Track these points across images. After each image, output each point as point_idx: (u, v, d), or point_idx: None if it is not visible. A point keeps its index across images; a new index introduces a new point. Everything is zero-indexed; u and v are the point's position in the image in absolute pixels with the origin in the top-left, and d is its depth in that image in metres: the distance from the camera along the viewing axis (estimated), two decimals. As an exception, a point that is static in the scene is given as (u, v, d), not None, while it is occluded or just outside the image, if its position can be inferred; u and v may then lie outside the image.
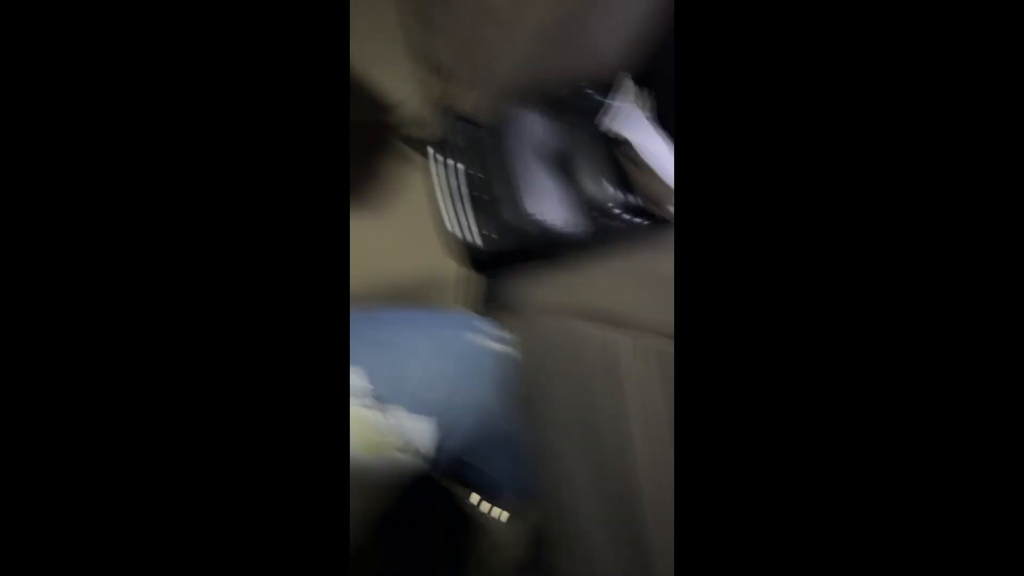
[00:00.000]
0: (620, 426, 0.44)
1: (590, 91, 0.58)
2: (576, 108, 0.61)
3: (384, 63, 0.74)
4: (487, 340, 0.52)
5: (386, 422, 0.43)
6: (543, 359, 0.53)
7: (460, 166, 0.67)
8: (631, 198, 0.63)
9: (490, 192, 0.63)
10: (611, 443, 0.46)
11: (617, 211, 0.63)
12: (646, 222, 0.64)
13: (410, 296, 0.72)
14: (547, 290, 0.61)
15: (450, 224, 0.67)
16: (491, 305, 0.72)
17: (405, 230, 0.72)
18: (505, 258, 0.69)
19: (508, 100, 0.61)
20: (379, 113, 0.73)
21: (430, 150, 0.67)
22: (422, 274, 0.72)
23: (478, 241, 0.65)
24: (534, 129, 0.62)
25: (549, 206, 0.62)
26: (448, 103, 0.65)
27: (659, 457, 0.43)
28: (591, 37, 0.53)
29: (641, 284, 0.44)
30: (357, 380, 0.44)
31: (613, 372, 0.45)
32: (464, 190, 0.66)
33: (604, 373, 0.46)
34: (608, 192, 0.63)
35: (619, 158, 0.59)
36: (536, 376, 0.52)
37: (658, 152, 0.59)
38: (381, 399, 0.44)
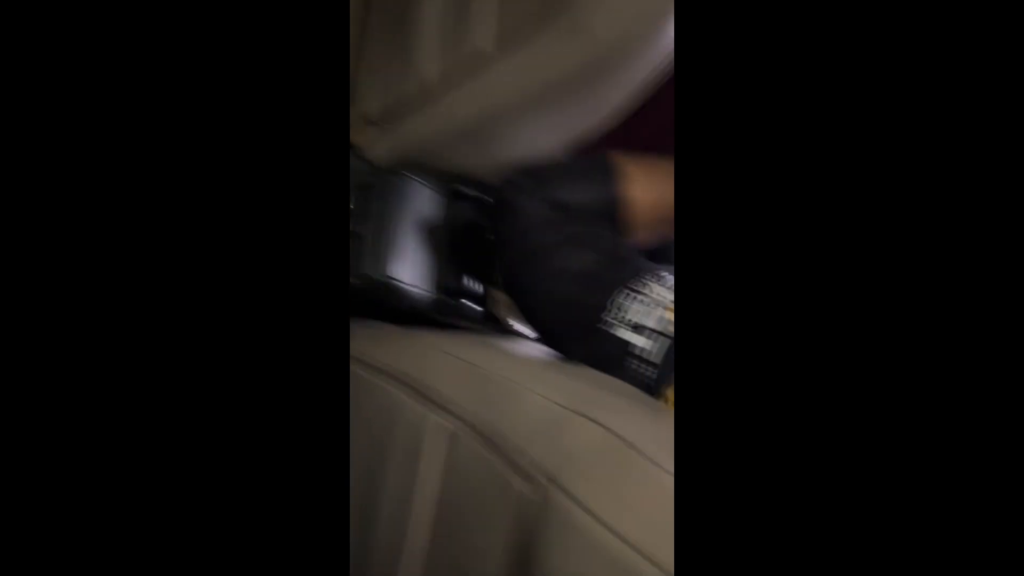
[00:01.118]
0: (401, 502, 0.42)
1: (469, 189, 0.64)
2: (464, 195, 0.67)
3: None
4: None
5: None
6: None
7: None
8: (481, 299, 0.66)
9: (359, 233, 0.64)
10: (386, 513, 0.44)
11: (466, 302, 0.66)
12: (487, 322, 0.66)
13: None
14: (375, 346, 0.59)
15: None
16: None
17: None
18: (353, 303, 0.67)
19: (408, 164, 0.66)
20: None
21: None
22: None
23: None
24: (422, 199, 0.66)
25: (408, 273, 0.63)
26: (358, 146, 0.69)
27: (423, 545, 0.40)
28: (512, 136, 0.60)
29: (470, 377, 0.44)
30: None
31: (412, 446, 0.44)
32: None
33: (403, 443, 0.44)
34: (463, 283, 0.66)
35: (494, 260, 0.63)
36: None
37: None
38: None
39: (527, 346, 0.53)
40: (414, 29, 0.63)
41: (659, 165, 0.48)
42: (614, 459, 0.32)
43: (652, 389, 0.39)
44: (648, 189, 0.47)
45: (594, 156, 0.51)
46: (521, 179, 0.49)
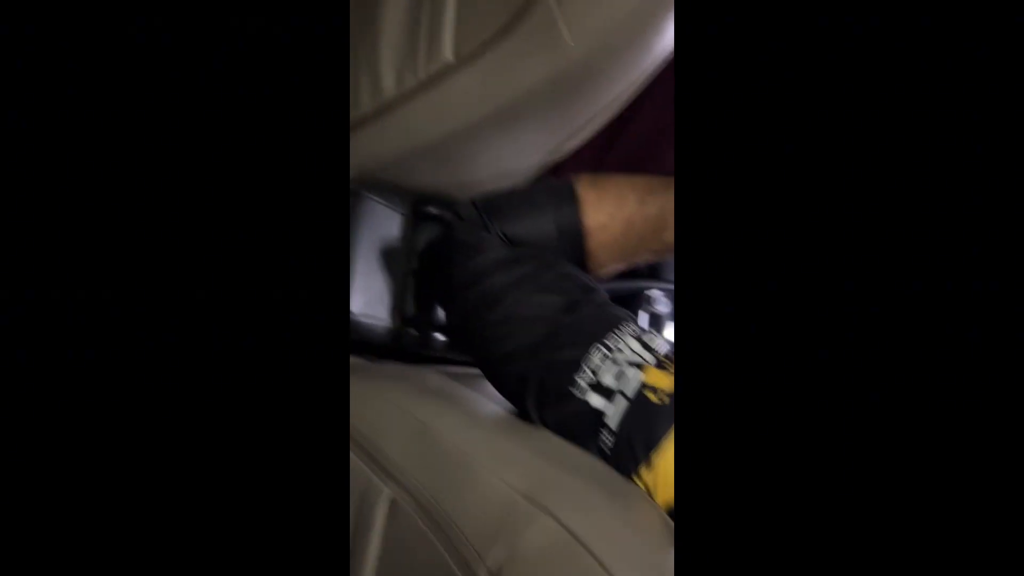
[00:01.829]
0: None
1: (438, 209, 0.58)
2: (432, 216, 0.61)
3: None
4: None
5: None
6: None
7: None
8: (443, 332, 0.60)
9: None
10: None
11: (435, 338, 0.60)
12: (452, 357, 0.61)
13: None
14: None
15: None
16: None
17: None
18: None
19: (365, 182, 0.60)
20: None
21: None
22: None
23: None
24: (380, 220, 0.60)
25: (364, 303, 0.57)
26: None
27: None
28: (483, 157, 0.54)
29: (423, 443, 0.39)
30: None
31: (354, 510, 0.39)
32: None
33: (352, 511, 0.39)
34: (431, 313, 0.60)
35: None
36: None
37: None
38: None
39: (494, 411, 0.47)
40: (372, 36, 0.57)
41: (625, 187, 0.42)
42: (566, 565, 0.27)
43: (622, 465, 0.34)
44: (613, 216, 0.41)
45: (553, 183, 0.45)
46: (473, 213, 0.43)
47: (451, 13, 0.49)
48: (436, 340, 0.60)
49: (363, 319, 0.57)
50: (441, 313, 0.61)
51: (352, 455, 0.43)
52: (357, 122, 0.59)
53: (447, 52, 0.49)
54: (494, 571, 0.29)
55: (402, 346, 0.59)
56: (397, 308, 0.60)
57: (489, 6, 0.44)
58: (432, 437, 0.39)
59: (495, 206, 0.42)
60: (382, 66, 0.56)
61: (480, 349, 0.41)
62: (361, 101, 0.59)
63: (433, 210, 0.61)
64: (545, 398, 0.36)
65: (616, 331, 0.37)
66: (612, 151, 0.56)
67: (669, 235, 0.41)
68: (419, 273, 0.60)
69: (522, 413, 0.40)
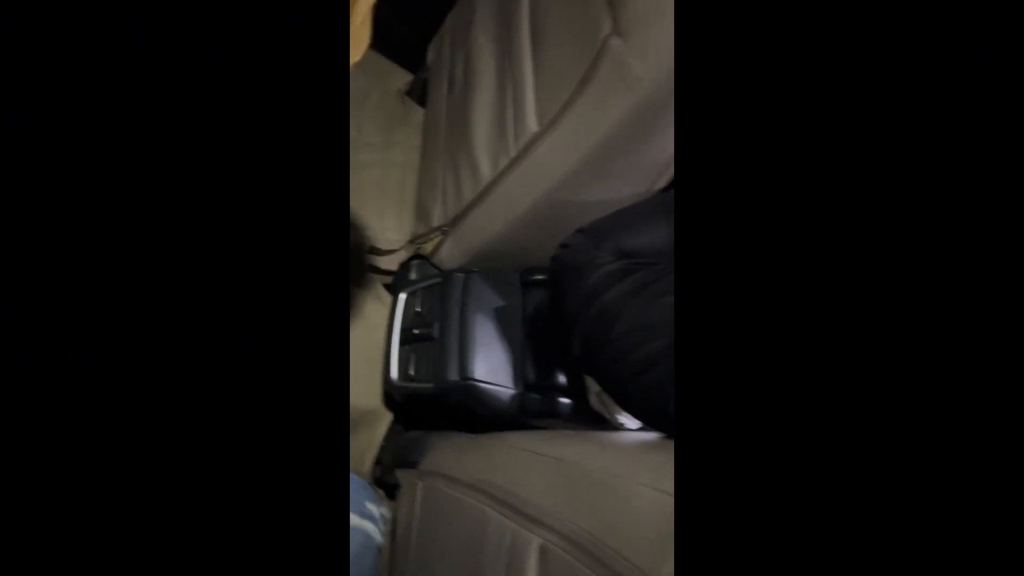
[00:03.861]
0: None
1: (543, 274, 0.60)
2: (539, 282, 0.63)
3: (389, 218, 0.81)
4: (360, 519, 0.46)
5: None
6: (431, 533, 0.46)
7: (405, 297, 0.67)
8: (573, 391, 0.59)
9: (432, 336, 0.61)
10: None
11: (560, 401, 0.59)
12: (582, 416, 0.58)
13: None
14: (459, 457, 0.54)
15: (390, 362, 0.64)
16: (396, 460, 0.63)
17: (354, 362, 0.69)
18: (426, 408, 0.63)
19: (478, 261, 0.64)
20: (368, 257, 0.77)
21: (401, 295, 0.68)
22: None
23: (399, 378, 0.61)
24: (494, 293, 0.63)
25: (488, 371, 0.58)
26: (421, 248, 0.69)
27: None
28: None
29: (562, 478, 0.37)
30: None
31: (501, 569, 0.37)
32: (405, 324, 0.64)
33: (492, 566, 0.37)
34: (550, 375, 0.59)
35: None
36: (419, 551, 0.46)
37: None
38: None
39: (630, 435, 0.45)
40: (467, 137, 0.65)
41: None
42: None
43: None
44: None
45: (657, 195, 0.45)
46: (576, 238, 0.43)
47: (531, 90, 0.54)
48: (560, 404, 0.59)
49: (487, 386, 0.58)
50: (563, 378, 0.60)
51: (494, 512, 0.41)
52: (463, 212, 0.65)
53: (532, 124, 0.54)
54: (668, 587, 0.25)
55: (527, 411, 0.58)
56: (518, 375, 0.60)
57: (563, 68, 0.49)
58: (570, 468, 0.36)
59: (603, 226, 0.43)
60: (479, 158, 0.62)
61: (609, 369, 0.39)
62: (464, 194, 0.65)
63: (539, 276, 0.63)
64: None
65: None
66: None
67: None
68: (533, 338, 0.61)
69: (666, 429, 0.36)
